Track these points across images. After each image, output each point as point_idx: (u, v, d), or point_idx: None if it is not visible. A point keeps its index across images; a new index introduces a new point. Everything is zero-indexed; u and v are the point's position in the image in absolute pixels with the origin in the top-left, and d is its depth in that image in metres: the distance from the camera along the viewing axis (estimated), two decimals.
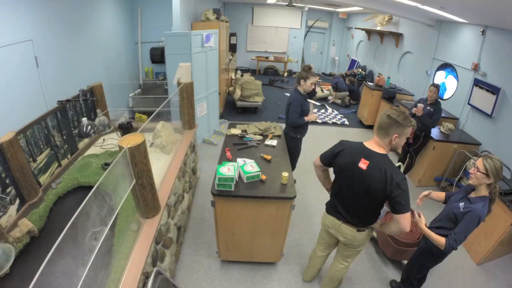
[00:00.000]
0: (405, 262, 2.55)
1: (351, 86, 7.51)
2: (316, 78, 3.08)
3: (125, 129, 2.78)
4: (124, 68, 5.15)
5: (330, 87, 8.18)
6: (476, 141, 3.79)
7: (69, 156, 2.45)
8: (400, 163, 3.20)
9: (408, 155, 3.93)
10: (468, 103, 4.07)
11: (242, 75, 6.67)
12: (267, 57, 10.08)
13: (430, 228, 1.95)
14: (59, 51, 3.42)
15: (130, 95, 5.14)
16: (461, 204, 1.82)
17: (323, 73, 10.95)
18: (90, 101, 2.71)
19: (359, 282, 2.56)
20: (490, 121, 3.71)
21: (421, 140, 3.69)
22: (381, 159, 1.63)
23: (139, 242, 1.68)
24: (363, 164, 1.66)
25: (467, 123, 4.15)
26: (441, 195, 2.13)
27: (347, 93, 7.42)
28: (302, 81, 3.00)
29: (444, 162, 3.83)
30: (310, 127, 5.91)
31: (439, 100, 3.60)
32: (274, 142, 2.92)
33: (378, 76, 6.15)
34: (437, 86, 3.53)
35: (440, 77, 4.91)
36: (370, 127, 5.96)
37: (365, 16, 8.17)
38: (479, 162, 1.77)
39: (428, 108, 3.54)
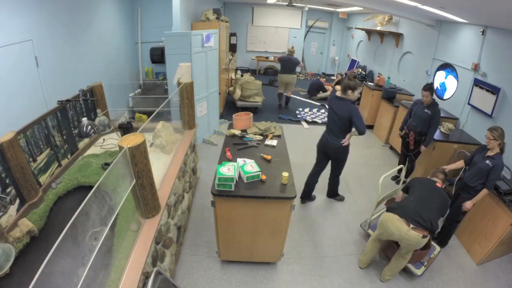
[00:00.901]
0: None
1: None
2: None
3: (125, 129, 2.78)
4: (124, 68, 5.15)
5: (330, 86, 8.19)
6: (476, 141, 3.79)
7: (69, 156, 2.45)
8: (401, 166, 3.21)
9: (408, 159, 3.95)
10: (468, 103, 4.07)
11: (242, 75, 6.67)
12: (267, 57, 10.08)
13: (472, 186, 2.68)
14: (59, 51, 3.42)
15: (130, 95, 5.14)
16: (488, 162, 2.59)
17: (323, 73, 10.96)
18: (90, 101, 2.71)
19: (358, 282, 2.56)
20: (490, 121, 3.71)
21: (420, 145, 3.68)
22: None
23: (139, 242, 1.68)
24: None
25: (467, 123, 4.15)
26: (459, 164, 2.98)
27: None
28: (350, 92, 2.91)
29: (444, 162, 3.83)
30: (310, 127, 5.97)
31: (436, 101, 3.53)
32: (274, 142, 2.92)
33: (378, 76, 6.15)
34: (428, 89, 3.42)
35: (440, 77, 4.91)
36: (370, 127, 5.96)
37: (365, 16, 8.17)
38: (489, 134, 2.60)
39: (426, 111, 3.48)
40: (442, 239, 2.98)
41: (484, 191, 2.59)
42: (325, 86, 8.09)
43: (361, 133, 2.88)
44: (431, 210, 2.27)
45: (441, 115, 4.34)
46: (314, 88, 7.81)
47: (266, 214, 2.22)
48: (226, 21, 6.38)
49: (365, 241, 3.03)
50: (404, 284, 2.58)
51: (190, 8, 4.91)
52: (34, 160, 2.00)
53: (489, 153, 2.63)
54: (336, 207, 3.53)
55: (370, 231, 2.96)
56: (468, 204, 2.67)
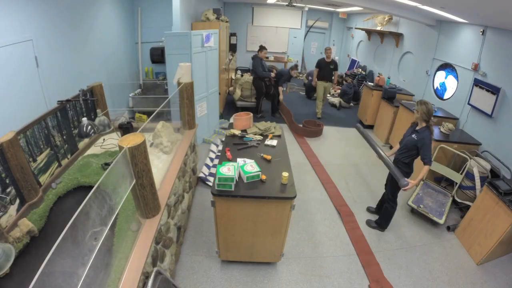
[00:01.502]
0: None
1: (348, 87, 7.47)
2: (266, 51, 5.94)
3: (125, 129, 2.78)
4: (124, 68, 5.15)
5: (339, 91, 8.16)
6: (476, 141, 3.79)
7: (69, 156, 2.45)
8: None
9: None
10: (468, 103, 4.07)
11: (242, 75, 6.67)
12: (267, 57, 10.05)
13: (399, 160, 2.85)
14: (59, 51, 3.42)
15: (130, 95, 5.14)
16: (413, 136, 2.73)
17: None
18: (90, 101, 2.71)
19: (358, 282, 2.56)
20: (490, 121, 3.71)
21: None
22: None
23: (139, 242, 1.68)
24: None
25: (467, 123, 4.15)
26: (395, 147, 3.03)
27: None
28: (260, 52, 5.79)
29: (444, 162, 3.83)
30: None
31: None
32: (274, 142, 2.92)
33: (378, 76, 6.15)
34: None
35: (440, 77, 4.91)
36: (371, 127, 5.97)
37: (365, 16, 8.17)
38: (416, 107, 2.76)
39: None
40: (383, 222, 3.15)
41: (425, 168, 2.62)
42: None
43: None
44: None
45: (441, 115, 4.38)
46: (313, 89, 7.75)
47: (266, 214, 2.22)
48: (226, 21, 6.38)
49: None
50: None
51: (190, 8, 4.91)
52: (34, 160, 2.00)
53: (417, 128, 2.77)
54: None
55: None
56: (411, 183, 2.59)
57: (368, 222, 3.27)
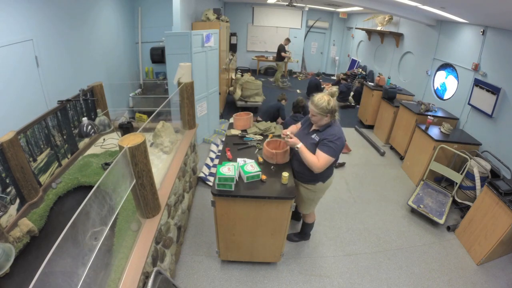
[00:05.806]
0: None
1: (346, 87, 7.45)
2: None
3: (125, 129, 2.78)
4: (125, 68, 5.16)
5: (330, 85, 8.17)
6: (476, 141, 3.79)
7: (69, 156, 2.45)
8: None
9: None
10: (468, 103, 4.06)
11: (242, 75, 6.67)
12: (267, 57, 10.08)
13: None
14: (59, 51, 3.42)
15: (130, 95, 5.15)
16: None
17: (323, 73, 10.96)
18: (91, 100, 2.71)
19: (358, 282, 2.56)
20: (490, 121, 3.71)
21: None
22: None
23: (139, 242, 1.68)
24: None
25: (467, 123, 4.15)
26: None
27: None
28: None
29: (444, 162, 3.83)
30: None
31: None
32: None
33: (379, 76, 6.14)
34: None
35: (441, 77, 4.91)
36: (371, 127, 5.96)
37: (365, 16, 8.17)
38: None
39: None
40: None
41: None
42: (322, 86, 8.06)
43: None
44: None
45: (441, 115, 4.38)
46: (314, 88, 7.74)
47: (266, 214, 2.22)
48: (227, 21, 6.39)
49: (364, 240, 3.03)
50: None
51: (190, 8, 4.91)
52: (34, 160, 2.00)
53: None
54: (335, 207, 3.53)
55: None
56: None
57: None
